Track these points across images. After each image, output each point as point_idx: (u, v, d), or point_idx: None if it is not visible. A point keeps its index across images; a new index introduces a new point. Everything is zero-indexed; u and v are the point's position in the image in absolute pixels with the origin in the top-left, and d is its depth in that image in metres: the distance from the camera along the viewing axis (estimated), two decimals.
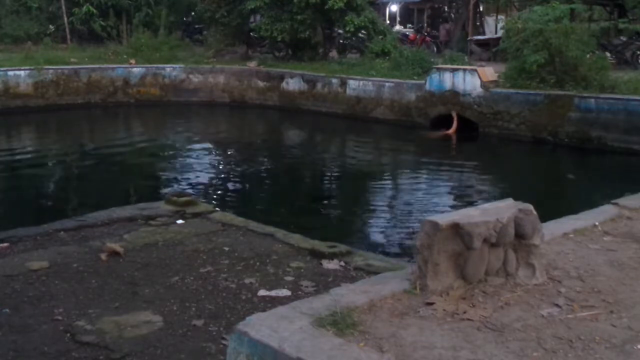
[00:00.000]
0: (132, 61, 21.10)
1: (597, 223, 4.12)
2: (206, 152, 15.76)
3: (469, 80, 16.06)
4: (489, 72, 16.39)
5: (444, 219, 3.03)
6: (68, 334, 4.50)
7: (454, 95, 16.31)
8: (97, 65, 20.51)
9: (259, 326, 2.60)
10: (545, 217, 3.56)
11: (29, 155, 15.04)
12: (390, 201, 11.32)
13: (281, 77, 20.12)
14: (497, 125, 15.63)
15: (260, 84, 20.58)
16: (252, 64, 21.32)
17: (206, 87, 21.11)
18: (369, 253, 6.73)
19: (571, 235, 3.90)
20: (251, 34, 23.69)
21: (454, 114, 16.21)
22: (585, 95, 14.45)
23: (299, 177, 13.50)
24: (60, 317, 4.76)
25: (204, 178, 12.79)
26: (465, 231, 2.97)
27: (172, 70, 21.04)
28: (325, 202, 11.61)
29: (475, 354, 2.50)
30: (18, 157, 14.77)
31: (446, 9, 31.76)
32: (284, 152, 15.93)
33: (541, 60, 14.86)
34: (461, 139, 16.00)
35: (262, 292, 5.19)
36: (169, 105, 20.64)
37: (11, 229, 6.79)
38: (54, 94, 19.44)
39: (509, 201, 3.32)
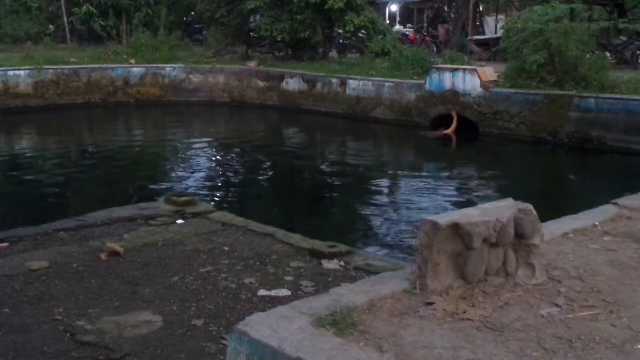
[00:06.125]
0: (132, 61, 21.11)
1: (597, 223, 4.11)
2: (206, 152, 15.76)
3: (469, 80, 16.06)
4: (489, 72, 16.39)
5: (444, 219, 3.03)
6: (68, 334, 4.51)
7: (454, 95, 16.31)
8: (97, 65, 20.52)
9: (259, 326, 2.60)
10: (545, 217, 3.56)
11: (29, 155, 15.04)
12: (390, 201, 11.31)
13: (281, 77, 20.12)
14: (497, 125, 15.63)
15: (260, 84, 20.59)
16: (252, 64, 21.33)
17: (206, 87, 21.12)
18: (369, 253, 6.75)
19: (571, 235, 3.90)
20: (251, 34, 23.70)
21: (454, 114, 16.21)
22: (585, 95, 14.45)
23: (299, 177, 13.50)
24: (60, 317, 4.76)
25: (204, 178, 12.79)
26: (465, 231, 2.97)
27: (172, 70, 21.05)
28: (325, 202, 11.61)
29: (475, 354, 2.49)
30: (18, 157, 14.77)
31: (446, 9, 31.75)
32: (284, 152, 15.92)
33: (541, 60, 14.86)
34: (461, 139, 16.00)
35: (262, 292, 5.19)
36: (169, 105, 20.64)
37: (11, 229, 6.79)
38: (54, 94, 19.46)
39: (509, 201, 3.32)
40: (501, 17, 26.28)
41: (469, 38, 24.27)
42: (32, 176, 12.83)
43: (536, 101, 15.04)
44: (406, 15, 33.37)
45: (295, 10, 20.53)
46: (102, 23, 24.15)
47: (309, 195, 11.98)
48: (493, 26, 26.86)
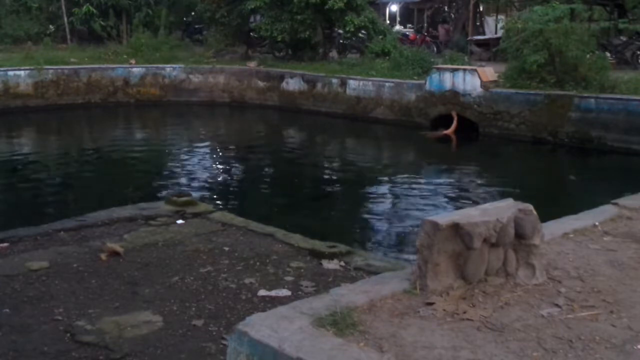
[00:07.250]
0: (132, 61, 21.11)
1: (597, 223, 4.11)
2: (206, 152, 15.75)
3: (469, 80, 16.06)
4: (489, 72, 16.39)
5: (444, 219, 3.03)
6: (68, 334, 4.51)
7: (454, 95, 16.30)
8: (97, 65, 20.52)
9: (259, 326, 2.60)
10: (545, 217, 3.56)
11: (29, 155, 15.03)
12: (390, 201, 11.31)
13: (281, 77, 20.12)
14: (497, 125, 15.63)
15: (260, 84, 20.58)
16: (252, 64, 21.33)
17: (206, 87, 21.12)
18: (369, 253, 6.75)
19: (571, 235, 3.90)
20: (251, 34, 23.70)
21: (454, 114, 16.20)
22: (585, 95, 14.45)
23: (299, 177, 13.49)
24: (60, 317, 4.76)
25: (204, 178, 12.78)
26: (465, 231, 2.97)
27: (172, 70, 21.04)
28: (325, 202, 11.60)
29: (475, 354, 2.50)
30: (18, 157, 14.76)
31: (446, 9, 31.75)
32: (284, 152, 15.92)
33: (541, 60, 14.86)
34: (461, 139, 15.99)
35: (262, 292, 5.19)
36: (169, 105, 20.64)
37: (11, 229, 6.80)
38: (54, 94, 19.45)
39: (509, 201, 3.32)
40: (501, 17, 26.26)
41: (469, 38, 24.26)
42: (32, 176, 12.82)
43: (536, 101, 15.03)
44: (406, 15, 33.34)
45: (295, 10, 20.53)
46: (102, 23, 24.15)
47: (308, 196, 11.97)
48: (493, 26, 26.85)
